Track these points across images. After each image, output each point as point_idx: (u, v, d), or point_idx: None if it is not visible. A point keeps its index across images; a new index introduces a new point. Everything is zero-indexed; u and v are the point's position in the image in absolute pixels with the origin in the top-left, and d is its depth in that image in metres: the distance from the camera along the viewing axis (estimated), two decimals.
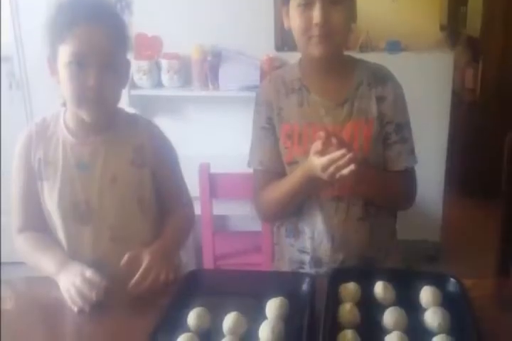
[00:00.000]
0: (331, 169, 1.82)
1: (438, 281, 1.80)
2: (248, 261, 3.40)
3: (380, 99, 2.10)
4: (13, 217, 2.14)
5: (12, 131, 2.34)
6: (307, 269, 2.21)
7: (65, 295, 1.86)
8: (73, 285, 1.85)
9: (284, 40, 4.16)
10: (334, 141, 1.85)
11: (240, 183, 2.87)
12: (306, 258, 2.21)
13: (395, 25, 4.61)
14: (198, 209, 2.82)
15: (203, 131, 4.33)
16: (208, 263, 3.29)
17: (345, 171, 1.80)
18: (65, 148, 2.07)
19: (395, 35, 4.35)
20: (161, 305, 1.72)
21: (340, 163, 1.80)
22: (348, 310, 1.64)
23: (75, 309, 1.82)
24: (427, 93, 4.15)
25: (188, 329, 1.62)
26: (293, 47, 2.29)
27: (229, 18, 4.09)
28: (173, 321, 1.66)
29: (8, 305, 1.91)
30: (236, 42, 4.11)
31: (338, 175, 1.83)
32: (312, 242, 2.18)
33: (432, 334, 1.56)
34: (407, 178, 2.17)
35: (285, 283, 1.83)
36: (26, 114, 4.37)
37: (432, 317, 1.62)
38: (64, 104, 2.08)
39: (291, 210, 2.18)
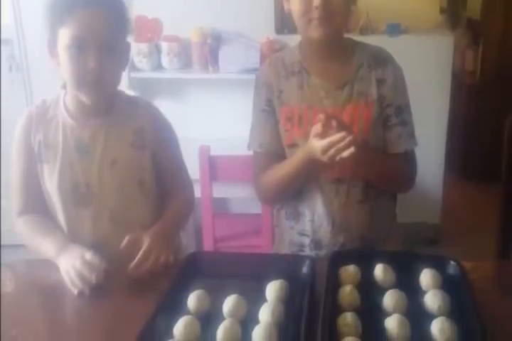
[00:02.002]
0: (331, 151, 1.82)
1: (438, 264, 1.80)
2: (248, 243, 3.41)
3: (380, 82, 2.09)
4: (13, 199, 2.14)
5: (12, 113, 2.33)
6: (307, 252, 2.21)
7: (65, 278, 1.87)
8: (73, 267, 1.85)
9: (284, 23, 4.14)
10: (334, 123, 1.84)
11: (240, 166, 2.87)
12: (306, 240, 2.21)
13: (395, 7, 4.58)
14: (198, 192, 2.82)
15: (203, 114, 4.33)
16: (207, 246, 3.30)
17: (345, 153, 1.80)
18: (65, 131, 2.06)
19: (395, 17, 4.33)
20: (161, 288, 1.72)
21: (341, 145, 1.80)
22: (348, 292, 1.64)
23: (75, 291, 1.83)
24: (427, 76, 4.14)
25: (187, 312, 1.62)
26: (293, 30, 2.29)
27: (229, 0, 4.07)
28: (173, 304, 1.66)
29: (8, 287, 1.92)
30: (236, 24, 4.09)
31: (338, 158, 1.83)
32: (312, 225, 2.18)
33: (432, 316, 1.57)
34: (407, 161, 2.17)
35: (285, 266, 1.83)
36: (26, 97, 4.36)
37: (431, 299, 1.62)
38: (64, 86, 2.08)
39: (291, 193, 2.19)
